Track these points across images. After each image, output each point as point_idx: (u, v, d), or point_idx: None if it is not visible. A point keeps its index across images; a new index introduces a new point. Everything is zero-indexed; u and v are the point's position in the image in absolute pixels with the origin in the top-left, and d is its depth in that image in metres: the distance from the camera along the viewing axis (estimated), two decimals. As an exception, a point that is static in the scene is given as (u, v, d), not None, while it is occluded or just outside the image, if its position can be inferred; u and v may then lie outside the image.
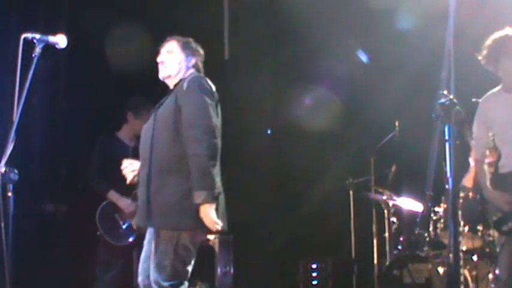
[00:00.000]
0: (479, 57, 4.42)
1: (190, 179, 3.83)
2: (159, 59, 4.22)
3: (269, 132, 7.60)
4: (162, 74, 4.22)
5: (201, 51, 4.32)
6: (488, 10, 5.35)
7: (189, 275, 3.95)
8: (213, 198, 3.81)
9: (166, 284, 3.84)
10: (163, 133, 4.00)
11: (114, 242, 5.50)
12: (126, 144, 5.78)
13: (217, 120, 4.00)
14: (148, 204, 3.93)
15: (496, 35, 4.40)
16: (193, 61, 4.24)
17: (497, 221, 4.40)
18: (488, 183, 4.40)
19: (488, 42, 4.42)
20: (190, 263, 3.94)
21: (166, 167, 3.94)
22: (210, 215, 3.80)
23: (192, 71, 4.23)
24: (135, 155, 5.71)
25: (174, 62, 4.18)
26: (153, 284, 3.88)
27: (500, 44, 4.37)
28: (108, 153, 5.65)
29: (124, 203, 5.56)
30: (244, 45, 7.30)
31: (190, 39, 4.31)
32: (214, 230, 3.87)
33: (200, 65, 4.29)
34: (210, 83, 4.09)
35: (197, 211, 3.81)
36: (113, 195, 5.57)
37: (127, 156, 5.67)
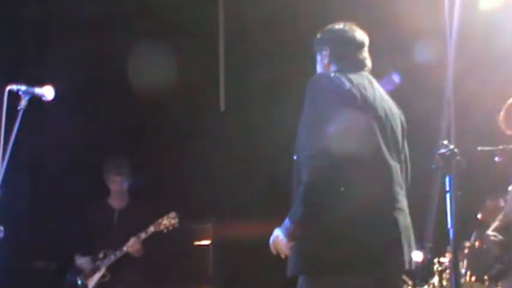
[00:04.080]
0: (500, 121, 4.07)
1: None
2: None
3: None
4: None
5: None
6: (488, 57, 5.24)
7: None
8: None
9: None
10: None
11: None
12: (112, 208, 5.56)
13: None
14: None
15: None
16: None
17: (487, 267, 4.31)
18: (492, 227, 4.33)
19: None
20: None
21: None
22: None
23: None
24: (121, 219, 5.57)
25: None
26: None
27: None
28: (92, 222, 5.47)
29: (80, 261, 5.41)
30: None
31: None
32: None
33: None
34: None
35: None
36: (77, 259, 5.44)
37: (111, 222, 5.56)
